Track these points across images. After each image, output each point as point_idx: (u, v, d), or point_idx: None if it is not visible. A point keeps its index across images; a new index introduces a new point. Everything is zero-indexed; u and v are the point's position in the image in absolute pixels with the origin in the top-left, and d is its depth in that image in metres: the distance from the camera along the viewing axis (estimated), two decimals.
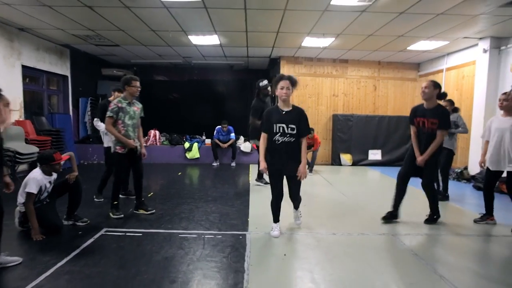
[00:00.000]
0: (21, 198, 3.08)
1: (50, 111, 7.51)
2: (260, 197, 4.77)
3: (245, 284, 2.28)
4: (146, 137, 8.42)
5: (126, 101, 3.63)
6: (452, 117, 4.84)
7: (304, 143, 3.10)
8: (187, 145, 8.31)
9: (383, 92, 8.77)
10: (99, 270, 2.48)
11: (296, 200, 3.34)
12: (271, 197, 3.22)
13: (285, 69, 8.48)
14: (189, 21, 5.51)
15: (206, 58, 8.90)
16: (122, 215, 3.68)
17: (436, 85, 3.48)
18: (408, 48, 7.02)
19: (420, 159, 3.49)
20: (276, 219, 3.26)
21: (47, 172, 3.19)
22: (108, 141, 4.31)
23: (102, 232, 3.23)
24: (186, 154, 8.28)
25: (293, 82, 3.06)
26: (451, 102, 4.96)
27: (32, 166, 5.98)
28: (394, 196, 3.74)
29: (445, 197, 4.83)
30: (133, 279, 2.34)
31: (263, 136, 3.14)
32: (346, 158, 8.32)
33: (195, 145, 8.30)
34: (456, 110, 5.00)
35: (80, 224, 3.42)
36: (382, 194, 5.21)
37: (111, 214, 3.69)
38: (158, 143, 8.46)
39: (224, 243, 3.01)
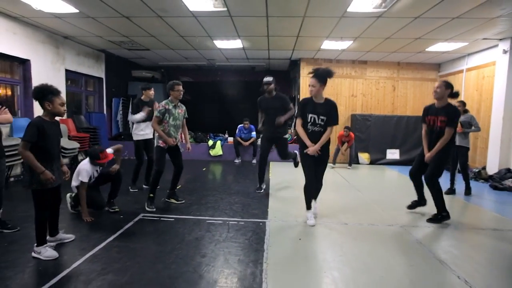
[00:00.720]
0: (73, 183, 3.64)
1: (88, 110, 8.21)
2: (279, 192, 5.14)
3: (265, 260, 2.66)
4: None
5: (172, 104, 4.04)
6: (465, 118, 5.03)
7: (328, 131, 3.50)
8: (210, 142, 8.80)
9: (402, 92, 8.87)
10: (141, 245, 2.96)
11: (320, 185, 3.75)
12: (304, 182, 3.59)
13: (305, 71, 8.77)
14: (215, 27, 5.96)
15: (229, 60, 9.35)
16: (155, 209, 3.96)
17: (448, 86, 3.63)
18: (427, 49, 7.14)
19: (428, 155, 3.69)
20: (309, 205, 3.63)
21: (95, 164, 3.72)
22: (137, 135, 4.89)
23: (139, 217, 3.72)
24: (210, 151, 8.76)
25: (319, 78, 3.41)
26: (463, 103, 5.14)
27: (73, 160, 6.65)
28: (415, 189, 4.08)
29: (469, 191, 5.15)
30: (170, 253, 2.78)
31: (299, 121, 3.57)
32: (364, 157, 8.51)
33: (218, 142, 8.77)
34: (466, 111, 5.18)
35: (112, 210, 3.89)
36: (397, 191, 5.47)
37: (146, 206, 4.01)
38: (184, 141, 8.99)
39: (246, 229, 3.41)
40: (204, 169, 7.37)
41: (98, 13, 5.17)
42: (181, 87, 4.08)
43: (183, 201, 4.36)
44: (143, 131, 4.92)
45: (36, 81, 5.76)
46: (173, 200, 4.35)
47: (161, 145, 4.05)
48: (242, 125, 8.51)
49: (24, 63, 5.90)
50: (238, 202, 4.47)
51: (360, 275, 2.47)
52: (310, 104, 3.53)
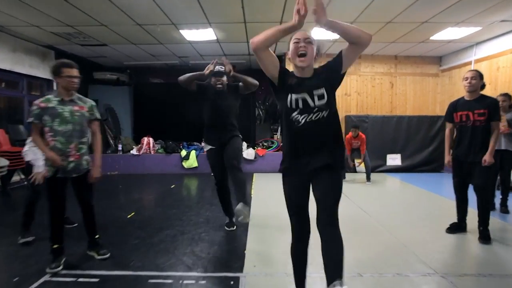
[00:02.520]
0: None
1: None
2: (263, 220, 3.88)
3: None
4: (139, 145, 7.68)
5: (57, 99, 2.50)
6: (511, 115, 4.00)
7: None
8: (184, 153, 7.54)
9: (401, 89, 7.85)
10: None
11: (335, 245, 2.16)
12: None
13: (291, 68, 7.64)
14: (177, 10, 4.74)
15: (204, 58, 8.14)
16: (60, 267, 2.49)
17: (482, 76, 3.12)
18: (432, 38, 6.13)
19: (488, 157, 2.98)
20: (300, 285, 1.96)
21: None
22: (31, 154, 3.02)
23: (45, 278, 2.42)
24: (183, 163, 7.50)
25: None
26: (509, 96, 4.09)
27: (3, 180, 5.26)
28: (456, 208, 3.38)
29: (506, 210, 4.12)
30: None
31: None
32: (362, 164, 7.39)
33: (193, 153, 7.52)
34: None
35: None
36: (409, 209, 4.31)
37: (48, 267, 2.47)
38: (152, 152, 7.70)
39: None
40: (172, 186, 6.08)
41: None
42: (74, 71, 2.50)
43: (107, 256, 2.72)
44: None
45: None
46: (93, 254, 2.77)
47: (46, 173, 2.50)
48: None
49: None
50: (205, 238, 3.23)
51: None
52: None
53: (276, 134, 8.60)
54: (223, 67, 3.23)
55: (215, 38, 6.23)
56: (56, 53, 7.13)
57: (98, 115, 2.73)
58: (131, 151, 7.69)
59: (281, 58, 7.84)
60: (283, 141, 1.90)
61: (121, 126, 9.03)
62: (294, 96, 1.72)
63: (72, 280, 2.37)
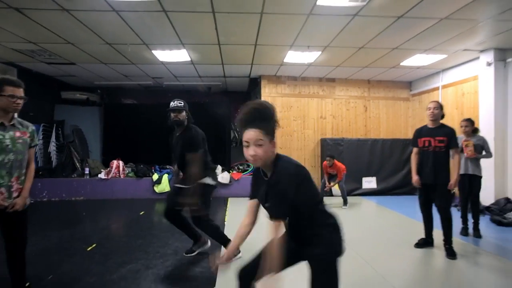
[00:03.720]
0: None
1: None
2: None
3: None
4: (108, 169, 7.25)
5: None
6: (478, 140, 4.12)
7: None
8: (155, 177, 7.17)
9: (374, 113, 8.02)
10: None
11: None
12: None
13: (267, 90, 7.65)
14: (148, 29, 4.60)
15: (179, 79, 7.99)
16: None
17: (442, 106, 3.52)
18: (402, 63, 6.34)
19: (453, 181, 3.33)
20: None
21: None
22: None
23: None
24: (155, 188, 7.12)
25: None
26: (471, 121, 4.17)
27: None
28: (424, 224, 3.69)
29: (478, 233, 4.15)
30: None
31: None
32: (337, 187, 7.34)
33: (165, 176, 7.17)
34: (476, 130, 4.22)
35: None
36: (386, 236, 4.20)
37: None
38: (122, 175, 7.28)
39: None
40: (142, 212, 5.69)
41: None
42: (18, 90, 2.14)
43: None
44: None
45: None
46: None
47: None
48: None
49: None
50: (172, 274, 2.93)
51: None
52: None
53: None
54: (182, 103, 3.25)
55: (189, 59, 6.12)
56: (18, 70, 6.72)
57: (37, 142, 2.44)
58: (99, 175, 7.23)
59: (257, 80, 7.87)
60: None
61: (89, 148, 8.56)
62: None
63: None
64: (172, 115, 3.16)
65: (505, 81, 5.33)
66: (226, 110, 8.59)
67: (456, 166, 3.38)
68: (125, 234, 4.44)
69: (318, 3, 3.71)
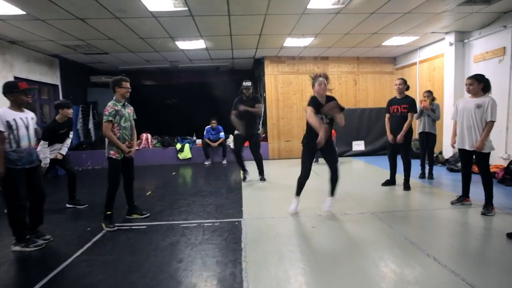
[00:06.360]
0: None
1: (43, 120, 7.68)
2: (252, 189, 5.15)
3: (243, 259, 2.65)
4: (139, 141, 8.68)
5: (120, 103, 3.54)
6: (432, 105, 5.53)
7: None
8: (178, 146, 8.61)
9: (363, 86, 9.25)
10: (113, 257, 2.82)
11: (335, 176, 3.77)
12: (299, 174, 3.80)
13: (269, 69, 8.86)
14: (176, 28, 5.82)
15: (193, 62, 9.20)
16: (116, 228, 3.46)
17: (405, 82, 4.83)
18: (383, 43, 7.51)
19: (400, 137, 4.64)
20: (298, 192, 3.83)
21: (15, 101, 3.13)
22: (41, 154, 3.86)
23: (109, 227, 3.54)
24: (178, 155, 8.57)
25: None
26: (431, 92, 5.64)
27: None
28: (390, 169, 5.06)
29: (431, 176, 5.57)
30: (145, 262, 2.68)
31: (311, 110, 3.66)
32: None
33: (187, 145, 8.60)
34: (434, 99, 5.68)
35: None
36: (366, 181, 5.68)
37: (103, 225, 3.48)
38: (150, 146, 8.72)
39: (222, 229, 3.38)
40: (173, 173, 7.19)
41: (48, 15, 4.85)
42: (128, 84, 3.59)
43: (148, 214, 3.89)
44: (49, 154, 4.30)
45: None
46: (136, 216, 3.85)
47: (114, 156, 3.53)
48: (209, 126, 8.42)
49: None
50: (212, 203, 4.41)
51: (339, 265, 2.54)
52: (319, 105, 3.69)
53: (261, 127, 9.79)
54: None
55: (204, 46, 7.33)
56: (60, 60, 7.98)
57: (135, 116, 3.87)
58: None
59: (261, 60, 9.05)
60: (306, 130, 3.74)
61: None
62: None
63: (128, 228, 3.50)
64: (245, 90, 5.52)
65: (463, 58, 6.55)
66: (234, 86, 9.87)
67: (407, 125, 4.63)
68: (168, 185, 5.90)
69: (308, 6, 4.90)
